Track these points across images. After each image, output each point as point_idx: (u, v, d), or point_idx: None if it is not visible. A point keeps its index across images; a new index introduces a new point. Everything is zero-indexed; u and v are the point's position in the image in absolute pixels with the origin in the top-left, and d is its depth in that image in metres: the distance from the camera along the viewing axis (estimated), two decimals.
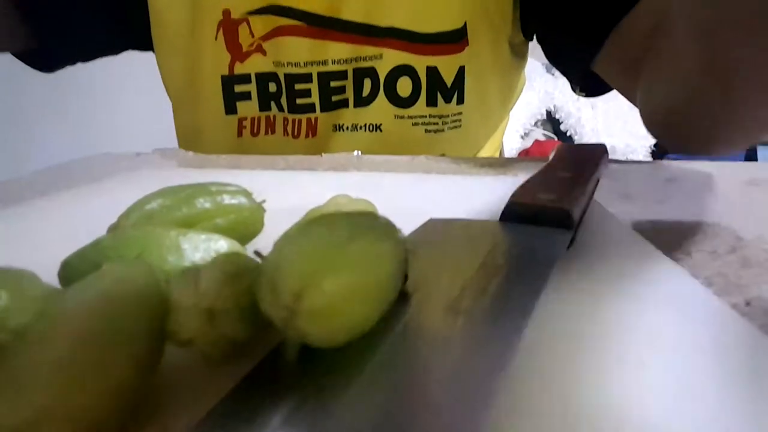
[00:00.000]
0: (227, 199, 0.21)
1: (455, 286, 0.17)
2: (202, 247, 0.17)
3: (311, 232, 0.13)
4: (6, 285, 0.12)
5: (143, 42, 0.55)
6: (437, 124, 0.53)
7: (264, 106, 0.54)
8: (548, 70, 2.16)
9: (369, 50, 0.51)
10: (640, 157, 1.89)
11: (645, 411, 0.12)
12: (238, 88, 0.53)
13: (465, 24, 0.50)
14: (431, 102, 0.52)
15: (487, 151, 0.61)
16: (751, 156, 1.90)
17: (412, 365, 0.13)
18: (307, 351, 0.13)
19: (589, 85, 0.46)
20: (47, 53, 0.54)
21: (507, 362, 0.12)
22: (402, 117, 0.53)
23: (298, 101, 0.54)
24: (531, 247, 0.19)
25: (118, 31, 0.55)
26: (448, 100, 0.52)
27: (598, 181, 0.30)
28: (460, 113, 0.53)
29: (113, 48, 0.58)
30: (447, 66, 0.51)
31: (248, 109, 0.54)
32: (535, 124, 2.09)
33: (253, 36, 0.51)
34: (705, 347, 0.15)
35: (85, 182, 0.38)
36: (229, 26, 0.51)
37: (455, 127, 0.54)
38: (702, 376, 0.14)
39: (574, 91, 0.49)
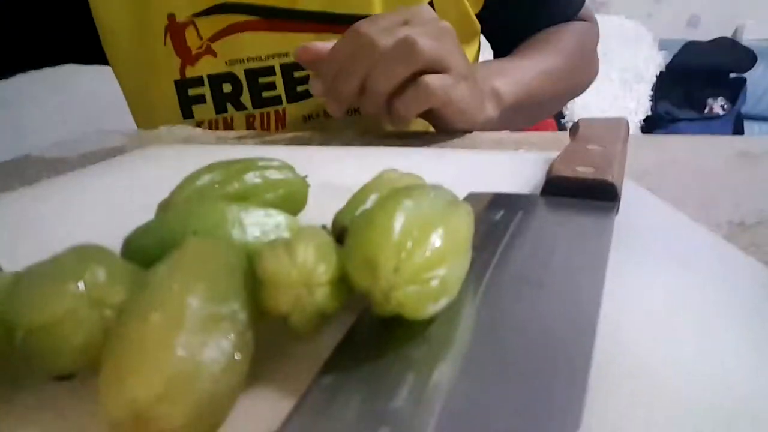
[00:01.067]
0: (275, 174, 0.21)
1: (519, 259, 0.17)
2: (262, 222, 0.17)
3: (396, 207, 0.13)
4: (100, 261, 0.12)
5: (95, 55, 0.54)
6: None
7: (220, 108, 0.53)
8: None
9: (331, 38, 0.51)
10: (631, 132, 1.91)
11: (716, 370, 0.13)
12: (192, 92, 0.53)
13: (431, 2, 0.50)
14: None
15: None
16: (738, 129, 1.93)
17: (496, 339, 0.13)
18: (386, 322, 0.13)
19: None
20: None
21: (593, 335, 0.13)
22: None
23: (264, 94, 0.53)
24: (583, 219, 0.20)
25: (67, 44, 0.55)
26: None
27: (626, 154, 0.30)
28: None
29: (63, 59, 0.58)
30: None
31: (204, 112, 0.54)
32: None
33: (201, 38, 0.51)
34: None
35: (98, 159, 0.37)
36: (175, 30, 0.51)
37: None
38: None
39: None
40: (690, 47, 2.05)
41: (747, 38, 2.14)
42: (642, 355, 0.13)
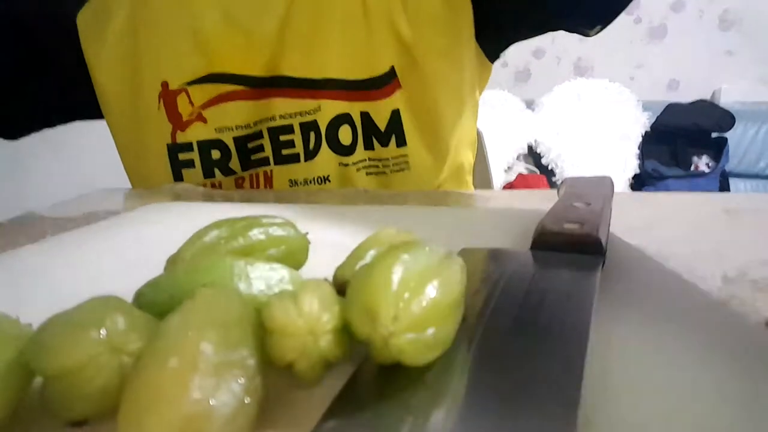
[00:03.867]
0: (278, 231, 0.22)
1: (510, 310, 0.18)
2: (267, 276, 0.18)
3: (395, 261, 0.14)
4: (119, 311, 0.13)
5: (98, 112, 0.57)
6: (377, 167, 0.54)
7: (208, 173, 0.55)
8: (528, 106, 2.24)
9: (309, 104, 0.52)
10: (619, 190, 1.95)
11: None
12: (182, 156, 0.54)
13: (392, 69, 0.51)
14: (368, 146, 0.53)
15: (453, 182, 0.60)
16: (724, 187, 1.98)
17: (489, 385, 0.14)
18: (385, 370, 0.14)
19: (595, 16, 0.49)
20: (7, 125, 0.57)
21: (581, 378, 0.14)
22: (346, 165, 0.53)
23: (253, 157, 0.54)
24: (569, 274, 0.21)
25: (72, 103, 0.58)
26: (384, 144, 0.53)
27: (611, 210, 0.31)
28: (404, 155, 0.53)
29: (71, 118, 0.60)
30: (378, 110, 0.52)
31: (193, 176, 0.55)
32: (517, 158, 2.14)
33: (192, 105, 0.53)
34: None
35: (100, 217, 0.39)
36: (168, 97, 0.53)
37: (400, 169, 0.54)
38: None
39: (588, 34, 0.51)
40: (672, 108, 2.14)
41: (724, 101, 2.25)
42: (627, 404, 0.14)
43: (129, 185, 0.59)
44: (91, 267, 0.26)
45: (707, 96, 2.32)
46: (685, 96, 2.29)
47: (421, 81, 0.52)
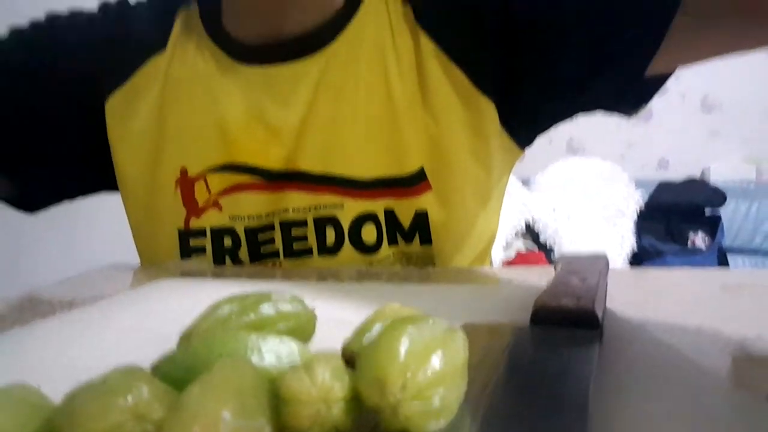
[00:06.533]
0: (286, 306, 0.23)
1: (511, 383, 0.18)
2: (277, 349, 0.19)
3: (401, 334, 0.15)
4: (142, 380, 0.13)
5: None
6: (401, 261, 0.53)
7: (218, 260, 0.54)
8: (524, 184, 2.30)
9: (328, 199, 0.51)
10: (618, 266, 1.96)
11: None
12: (193, 242, 0.54)
13: (422, 169, 0.50)
14: (392, 242, 0.52)
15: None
16: (722, 263, 1.99)
17: None
18: None
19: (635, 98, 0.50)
20: (27, 198, 0.58)
21: None
22: (371, 264, 0.52)
23: (263, 249, 0.54)
24: (568, 347, 0.21)
25: (92, 179, 0.59)
26: (408, 241, 0.52)
27: (606, 285, 0.32)
28: (429, 254, 0.52)
29: (92, 191, 0.62)
30: (403, 208, 0.51)
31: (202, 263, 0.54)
32: (516, 235, 2.17)
33: (209, 192, 0.53)
34: None
35: (107, 293, 0.39)
36: (186, 183, 0.53)
37: (425, 265, 0.53)
38: None
39: (630, 114, 0.52)
40: (664, 187, 2.20)
41: (713, 179, 2.32)
42: None
43: (132, 260, 0.60)
44: (102, 342, 0.27)
45: (697, 174, 2.39)
46: (675, 174, 2.36)
47: (450, 180, 0.51)
